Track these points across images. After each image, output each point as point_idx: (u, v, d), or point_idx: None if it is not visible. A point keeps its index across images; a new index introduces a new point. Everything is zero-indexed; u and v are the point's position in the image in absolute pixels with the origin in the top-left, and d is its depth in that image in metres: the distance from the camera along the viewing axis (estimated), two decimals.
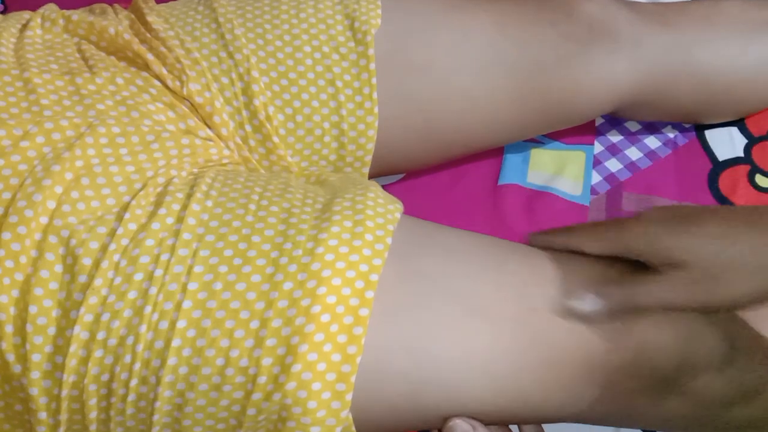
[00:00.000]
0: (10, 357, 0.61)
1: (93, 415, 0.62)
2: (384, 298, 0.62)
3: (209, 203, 0.65)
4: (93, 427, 0.63)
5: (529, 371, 0.64)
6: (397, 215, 0.67)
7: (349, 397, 0.61)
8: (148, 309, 0.61)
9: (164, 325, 0.61)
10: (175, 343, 0.60)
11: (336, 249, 0.62)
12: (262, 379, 0.60)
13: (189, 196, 0.65)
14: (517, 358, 0.64)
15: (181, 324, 0.60)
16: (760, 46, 0.93)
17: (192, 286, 0.61)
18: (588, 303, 0.64)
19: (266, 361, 0.60)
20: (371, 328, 0.61)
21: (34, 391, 0.62)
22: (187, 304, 0.61)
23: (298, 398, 0.60)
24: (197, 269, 0.62)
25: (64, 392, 0.61)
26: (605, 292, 0.63)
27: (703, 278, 0.60)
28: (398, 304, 0.63)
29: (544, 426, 0.75)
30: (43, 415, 0.62)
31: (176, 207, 0.64)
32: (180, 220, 0.64)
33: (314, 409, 0.60)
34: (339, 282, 0.61)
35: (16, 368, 0.62)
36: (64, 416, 0.62)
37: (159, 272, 0.61)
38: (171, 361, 0.60)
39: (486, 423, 0.70)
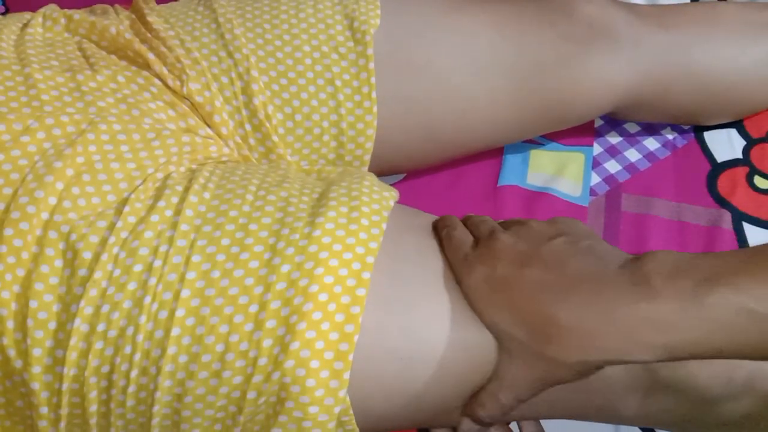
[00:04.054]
0: (11, 352, 0.62)
1: (93, 408, 0.62)
2: (378, 280, 0.63)
3: (207, 195, 0.65)
4: (93, 420, 0.63)
5: None
6: (392, 202, 0.68)
7: (346, 375, 0.61)
8: (148, 299, 0.61)
9: (163, 314, 0.61)
10: (175, 332, 0.61)
11: (333, 232, 0.63)
12: (263, 361, 0.60)
13: (187, 189, 0.66)
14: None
15: (179, 313, 0.61)
16: (759, 47, 0.94)
17: (190, 276, 0.61)
18: (467, 427, 0.66)
19: (266, 343, 0.60)
20: (366, 307, 0.62)
21: (35, 385, 0.62)
22: (185, 293, 0.61)
23: (296, 376, 0.60)
24: (195, 259, 0.62)
25: (65, 386, 0.61)
26: (471, 414, 0.65)
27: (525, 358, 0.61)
28: (390, 285, 0.64)
29: (544, 425, 0.75)
30: (44, 409, 0.63)
31: (175, 200, 0.65)
32: (178, 212, 0.64)
33: (312, 387, 0.60)
34: (336, 263, 0.62)
35: (18, 363, 0.62)
36: (65, 410, 0.62)
37: (158, 263, 0.62)
38: (171, 350, 0.61)
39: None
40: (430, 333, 0.64)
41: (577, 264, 0.61)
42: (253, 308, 0.61)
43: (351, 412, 0.62)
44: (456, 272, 0.65)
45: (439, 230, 0.69)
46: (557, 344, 0.58)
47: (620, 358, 0.57)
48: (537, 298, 0.60)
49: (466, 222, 0.70)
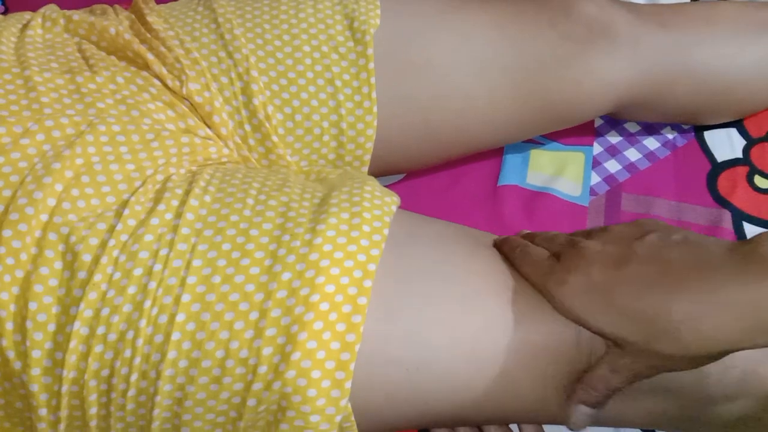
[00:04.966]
0: (10, 354, 0.61)
1: (93, 410, 0.62)
2: (381, 288, 0.63)
3: (207, 198, 0.65)
4: (93, 422, 0.63)
5: (515, 356, 0.64)
6: (394, 207, 0.68)
7: (348, 385, 0.61)
8: (148, 303, 0.61)
9: (164, 319, 0.61)
10: (175, 336, 0.60)
11: (334, 240, 0.63)
12: (263, 369, 0.60)
13: (187, 192, 0.66)
14: (505, 342, 0.64)
15: (180, 317, 0.61)
16: (759, 46, 0.94)
17: (191, 280, 0.61)
18: (581, 414, 0.64)
19: (266, 351, 0.60)
20: (368, 316, 0.62)
21: (35, 387, 0.62)
22: (186, 298, 0.61)
23: (297, 386, 0.60)
24: (196, 263, 0.62)
25: (65, 388, 0.61)
26: (582, 400, 0.63)
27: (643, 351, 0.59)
28: (394, 293, 0.64)
29: (544, 427, 0.75)
30: (43, 411, 0.63)
31: (175, 203, 0.65)
32: (178, 215, 0.64)
33: (314, 397, 0.60)
34: (337, 272, 0.61)
35: (17, 365, 0.62)
36: (64, 412, 0.62)
37: (158, 267, 0.62)
38: (171, 354, 0.60)
39: (485, 422, 0.70)
40: (432, 338, 0.64)
41: (677, 255, 0.59)
42: (254, 315, 0.61)
43: (353, 418, 0.62)
44: (542, 286, 0.64)
45: (509, 249, 0.68)
46: (672, 341, 0.57)
47: (742, 346, 0.55)
48: (642, 296, 0.58)
49: (533, 238, 0.69)
